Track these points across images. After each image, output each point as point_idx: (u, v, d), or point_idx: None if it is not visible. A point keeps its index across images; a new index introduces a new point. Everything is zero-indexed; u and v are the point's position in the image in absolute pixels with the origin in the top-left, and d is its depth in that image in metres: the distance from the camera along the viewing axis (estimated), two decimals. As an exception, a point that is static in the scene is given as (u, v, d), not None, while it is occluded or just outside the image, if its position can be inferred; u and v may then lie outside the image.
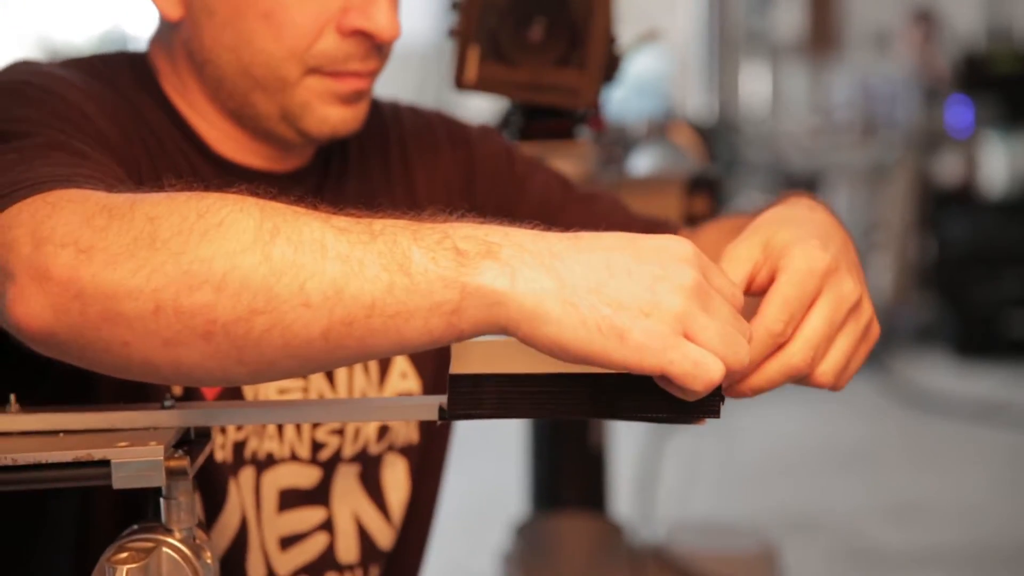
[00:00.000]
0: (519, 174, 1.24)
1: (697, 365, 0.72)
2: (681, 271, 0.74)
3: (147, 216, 0.75)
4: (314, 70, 1.05)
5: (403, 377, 1.18)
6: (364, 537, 1.16)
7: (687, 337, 0.73)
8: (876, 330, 0.88)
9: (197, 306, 0.73)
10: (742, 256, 0.86)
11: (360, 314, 0.73)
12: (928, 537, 3.71)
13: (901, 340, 5.85)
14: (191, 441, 0.85)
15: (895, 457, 3.97)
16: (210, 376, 0.76)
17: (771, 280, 0.84)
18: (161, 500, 0.83)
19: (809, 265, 0.83)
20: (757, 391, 0.83)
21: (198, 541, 0.84)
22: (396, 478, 1.18)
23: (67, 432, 0.82)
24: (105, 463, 0.78)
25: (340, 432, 1.14)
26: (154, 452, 0.79)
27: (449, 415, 0.79)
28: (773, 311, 0.81)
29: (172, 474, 0.81)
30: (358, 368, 1.15)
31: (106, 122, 1.01)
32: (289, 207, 0.76)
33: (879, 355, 5.53)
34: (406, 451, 1.19)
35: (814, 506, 3.99)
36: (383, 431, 1.17)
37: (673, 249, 0.75)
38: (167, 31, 1.10)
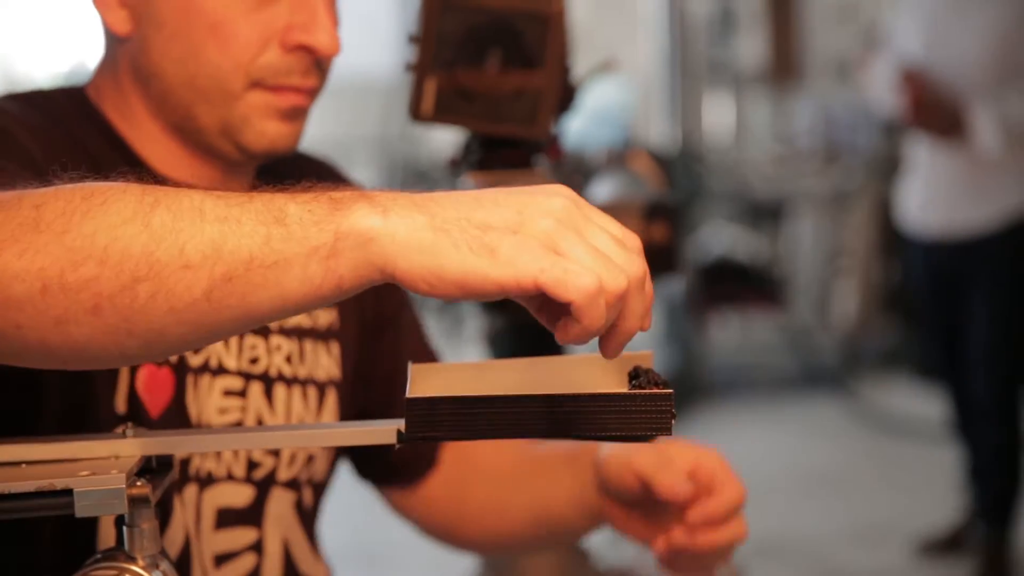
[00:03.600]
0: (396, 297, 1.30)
1: (567, 271, 0.73)
2: (550, 199, 0.76)
3: (33, 204, 0.76)
4: (257, 84, 1.09)
5: (331, 414, 1.21)
6: (289, 564, 1.18)
7: (558, 255, 0.74)
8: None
9: (82, 281, 0.74)
10: None
11: (240, 269, 0.75)
12: (895, 559, 3.74)
13: (866, 364, 5.89)
14: (152, 469, 0.86)
15: (861, 480, 4.00)
16: (105, 353, 0.78)
17: None
18: (124, 528, 0.84)
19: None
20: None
21: (161, 568, 0.85)
22: (312, 509, 1.22)
23: (29, 463, 0.83)
24: (68, 492, 0.79)
25: (275, 453, 1.17)
26: (116, 480, 0.80)
27: (408, 437, 0.81)
28: None
29: (134, 502, 0.82)
30: (296, 391, 1.17)
31: (33, 144, 1.03)
32: (172, 187, 0.78)
33: (844, 379, 5.57)
34: (313, 486, 1.22)
35: (781, 529, 4.01)
36: (309, 459, 1.20)
37: (546, 185, 0.78)
38: (112, 50, 1.13)
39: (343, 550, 3.46)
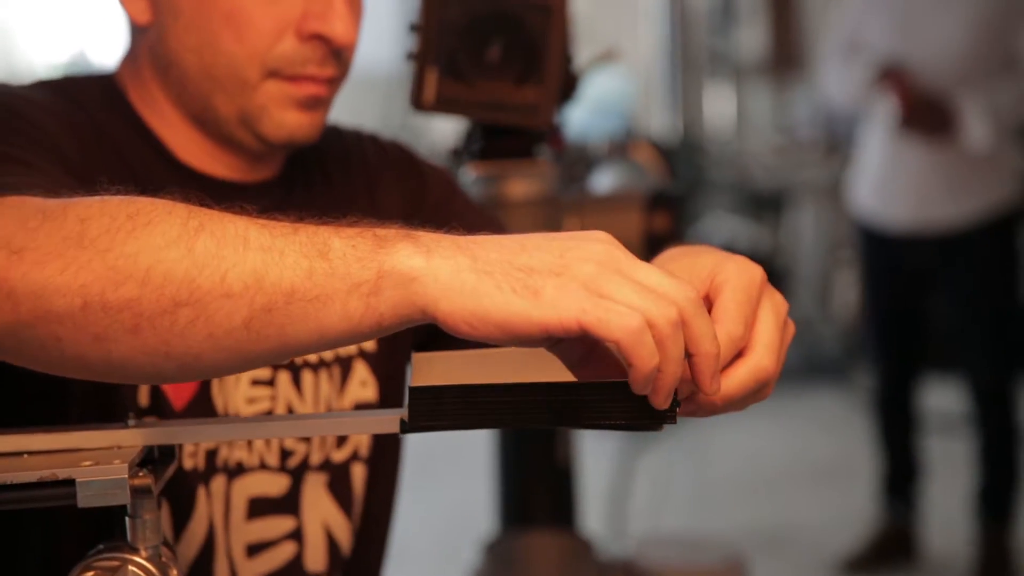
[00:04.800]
0: (458, 212, 1.27)
1: (609, 311, 0.73)
2: (593, 244, 0.76)
3: (78, 217, 0.76)
4: (273, 73, 1.09)
5: (363, 385, 1.19)
6: (332, 546, 1.18)
7: (601, 297, 0.74)
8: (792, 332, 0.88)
9: (123, 301, 0.75)
10: None
11: (280, 300, 0.75)
12: (898, 549, 3.73)
13: (868, 354, 5.88)
14: (155, 460, 0.86)
15: (864, 471, 3.99)
16: (141, 371, 0.78)
17: (704, 299, 0.84)
18: (126, 519, 0.83)
19: (749, 275, 0.84)
20: (728, 399, 0.82)
21: (164, 559, 0.84)
22: (359, 487, 1.20)
23: (31, 453, 0.82)
24: (70, 482, 0.79)
25: (307, 439, 1.16)
26: (118, 471, 0.79)
27: (410, 427, 0.80)
28: (731, 316, 0.82)
29: (137, 492, 0.82)
30: (323, 375, 1.16)
31: (65, 137, 1.03)
32: (218, 211, 0.78)
33: (846, 370, 5.57)
34: (366, 460, 1.20)
35: (784, 521, 4.01)
36: (342, 439, 1.19)
37: (588, 232, 0.78)
38: (134, 40, 1.13)
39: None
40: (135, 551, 0.83)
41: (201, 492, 1.10)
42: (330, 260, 0.75)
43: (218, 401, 1.10)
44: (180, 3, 1.07)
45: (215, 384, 1.10)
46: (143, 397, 1.07)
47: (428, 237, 0.76)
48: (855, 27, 3.56)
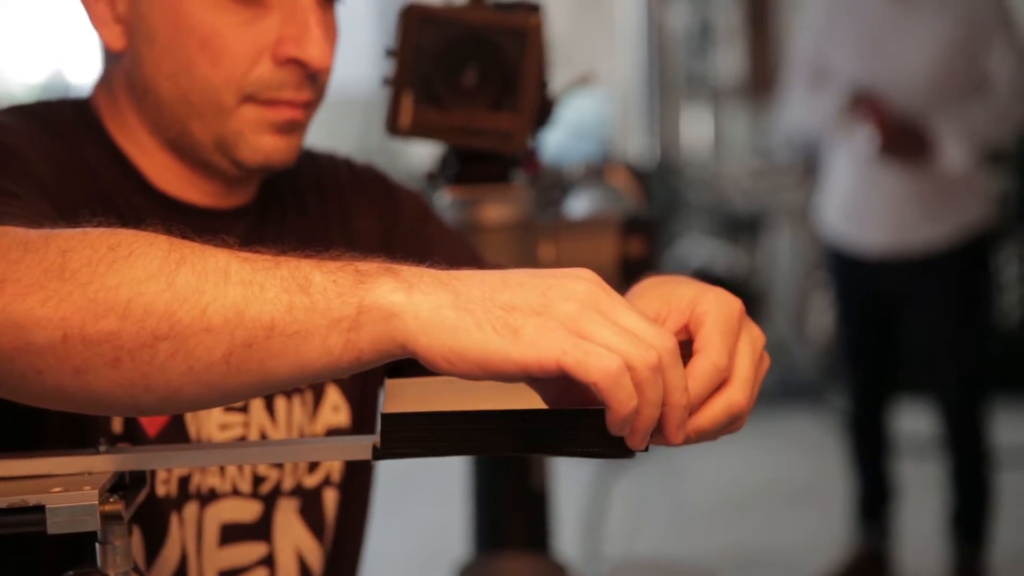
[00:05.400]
0: (431, 235, 1.27)
1: (588, 353, 0.72)
2: (575, 283, 0.76)
3: (60, 249, 0.76)
4: (249, 98, 1.08)
5: (335, 410, 1.19)
6: (304, 572, 1.17)
7: (582, 337, 0.74)
8: (767, 366, 0.88)
9: (103, 334, 0.75)
10: (644, 309, 0.84)
11: (260, 335, 0.74)
12: (873, 572, 3.74)
13: (844, 377, 5.89)
14: (126, 485, 0.86)
15: (839, 494, 4.00)
16: (120, 404, 0.78)
17: (682, 329, 0.84)
18: (96, 545, 0.83)
19: (729, 307, 0.84)
20: (701, 432, 0.82)
21: (134, 585, 0.84)
22: (331, 512, 1.20)
23: (1, 479, 0.82)
24: (40, 509, 0.79)
25: (279, 465, 1.16)
26: (88, 497, 0.79)
27: (382, 454, 0.80)
28: (716, 346, 0.82)
29: (107, 518, 0.81)
30: (296, 401, 1.16)
31: (43, 165, 1.02)
32: (199, 244, 0.78)
33: (822, 393, 5.58)
34: (338, 485, 1.20)
35: (760, 544, 4.01)
36: (314, 464, 1.19)
37: (572, 269, 0.77)
38: (109, 65, 1.13)
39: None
40: (105, 577, 0.83)
41: (174, 519, 1.10)
42: (311, 295, 0.75)
43: (191, 427, 1.10)
44: (155, 29, 1.07)
45: (189, 414, 1.10)
46: (116, 424, 1.06)
47: (409, 272, 0.76)
48: (817, 52, 3.55)
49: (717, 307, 0.84)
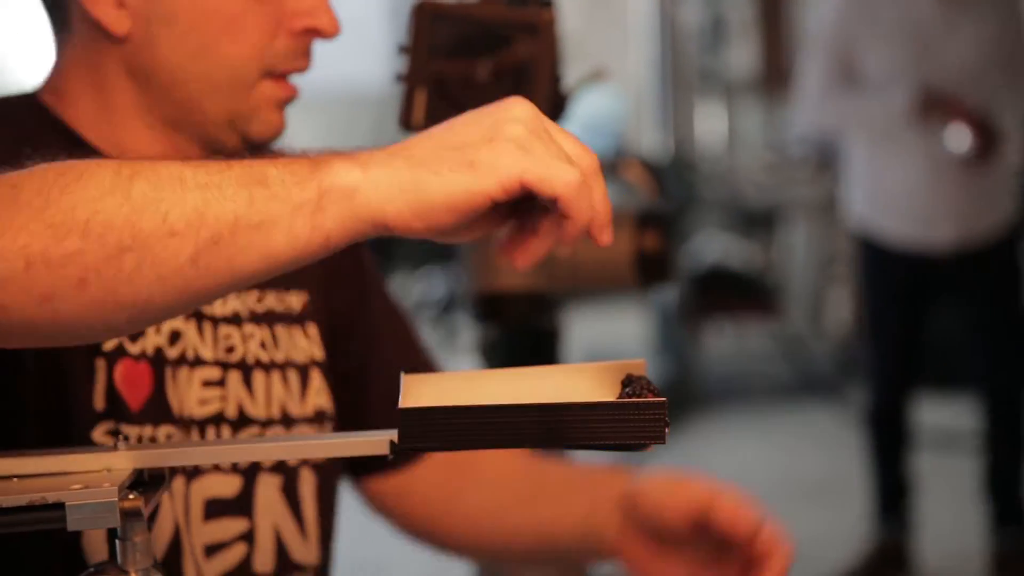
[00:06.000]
0: (368, 291, 1.30)
1: (550, 167, 0.77)
2: (516, 108, 0.80)
3: (9, 184, 0.77)
4: (268, 73, 1.10)
5: (318, 394, 1.21)
6: (281, 550, 1.18)
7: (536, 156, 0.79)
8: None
9: (66, 255, 0.75)
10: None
11: (225, 232, 0.77)
12: (892, 566, 3.73)
13: (860, 371, 5.89)
14: (145, 482, 0.86)
15: (856, 487, 3.99)
16: (90, 329, 0.79)
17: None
18: (116, 541, 0.83)
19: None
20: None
21: (155, 581, 0.84)
22: (310, 493, 1.21)
23: (20, 477, 0.82)
24: (60, 506, 0.79)
25: (260, 440, 1.17)
26: (108, 494, 0.79)
27: (401, 448, 0.81)
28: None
29: (127, 515, 0.81)
30: (275, 376, 1.17)
31: (7, 158, 1.03)
32: (148, 160, 0.80)
33: (839, 386, 5.57)
34: (314, 466, 1.21)
35: (778, 538, 4.00)
36: None
37: (508, 99, 0.82)
38: (90, 53, 1.10)
39: (338, 561, 3.46)
40: (125, 574, 0.83)
41: (165, 493, 1.10)
42: (269, 186, 0.77)
43: (173, 401, 1.10)
44: (174, 11, 1.07)
45: (169, 385, 1.10)
46: (99, 401, 1.06)
47: (362, 153, 0.79)
48: (844, 49, 3.52)
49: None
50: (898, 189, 3.54)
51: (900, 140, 3.48)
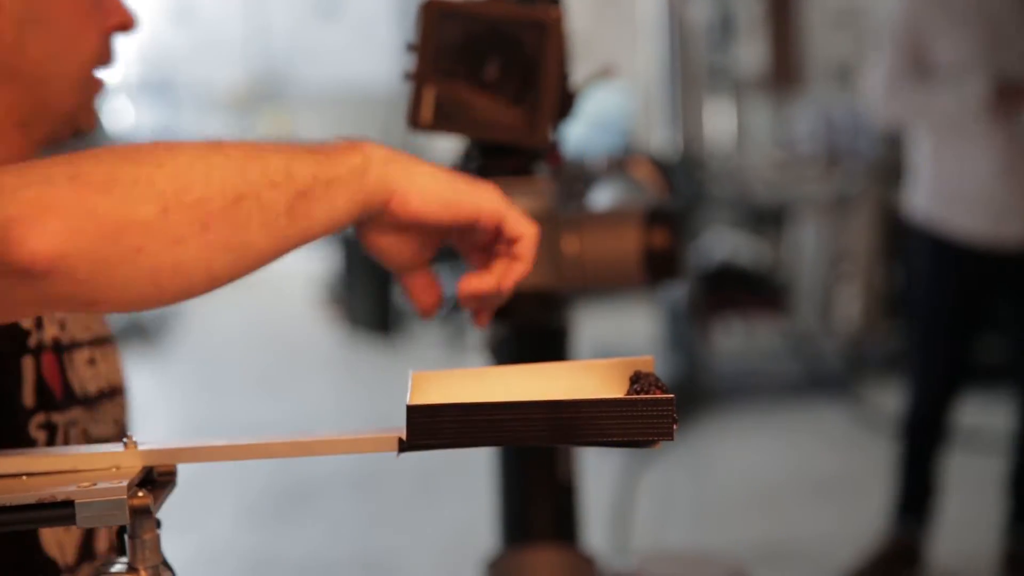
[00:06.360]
0: None
1: (520, 215, 1.02)
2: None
3: (112, 152, 0.83)
4: (100, 67, 1.14)
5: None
6: None
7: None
8: None
9: (194, 200, 0.83)
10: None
11: (310, 184, 0.88)
12: (902, 563, 3.73)
13: (870, 368, 5.88)
14: (153, 480, 0.86)
15: (868, 484, 3.99)
16: (199, 275, 0.84)
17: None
18: (126, 539, 0.84)
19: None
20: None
21: (164, 579, 0.85)
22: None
23: (29, 475, 0.83)
24: (69, 503, 0.79)
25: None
26: (117, 491, 0.80)
27: (409, 446, 0.81)
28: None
29: (136, 513, 0.82)
30: (109, 350, 1.19)
31: None
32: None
33: (848, 383, 5.56)
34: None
35: (789, 535, 4.00)
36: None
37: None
38: None
39: (342, 558, 3.46)
40: (134, 572, 0.83)
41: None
42: (322, 152, 0.89)
43: (74, 381, 1.11)
44: (46, 10, 1.08)
45: (68, 367, 1.11)
46: (28, 397, 1.05)
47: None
48: (916, 42, 3.50)
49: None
50: (967, 182, 3.49)
51: (971, 132, 3.44)
